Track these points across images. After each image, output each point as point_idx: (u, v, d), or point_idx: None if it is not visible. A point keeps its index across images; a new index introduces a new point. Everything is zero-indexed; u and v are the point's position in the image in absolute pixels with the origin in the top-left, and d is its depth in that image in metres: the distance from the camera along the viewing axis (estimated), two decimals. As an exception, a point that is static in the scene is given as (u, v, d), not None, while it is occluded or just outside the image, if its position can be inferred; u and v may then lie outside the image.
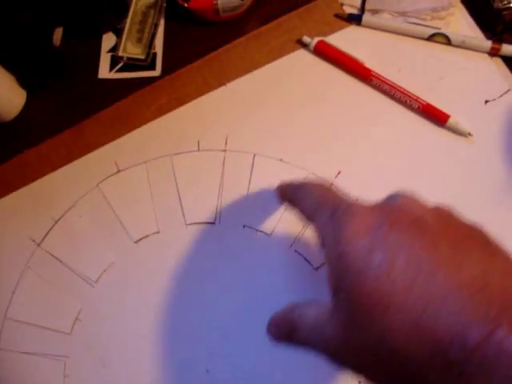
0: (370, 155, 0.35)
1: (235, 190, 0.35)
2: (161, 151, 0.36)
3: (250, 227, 0.34)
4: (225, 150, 0.36)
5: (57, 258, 0.35)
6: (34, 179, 0.37)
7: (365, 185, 0.33)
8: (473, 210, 0.23)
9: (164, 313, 0.33)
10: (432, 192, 0.24)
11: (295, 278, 0.33)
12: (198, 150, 0.36)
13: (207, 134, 0.36)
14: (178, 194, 0.35)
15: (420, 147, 0.35)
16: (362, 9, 0.38)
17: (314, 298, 0.23)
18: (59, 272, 0.35)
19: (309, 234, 0.34)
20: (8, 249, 0.36)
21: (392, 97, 0.36)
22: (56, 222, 0.36)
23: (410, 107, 0.35)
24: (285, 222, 0.34)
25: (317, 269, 0.33)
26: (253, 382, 0.32)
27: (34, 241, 0.36)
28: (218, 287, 0.33)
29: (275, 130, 0.36)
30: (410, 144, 0.35)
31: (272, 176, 0.34)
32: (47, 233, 0.36)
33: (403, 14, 0.37)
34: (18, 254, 0.35)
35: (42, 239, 0.36)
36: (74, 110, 0.37)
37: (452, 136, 0.35)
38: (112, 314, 0.34)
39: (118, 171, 0.36)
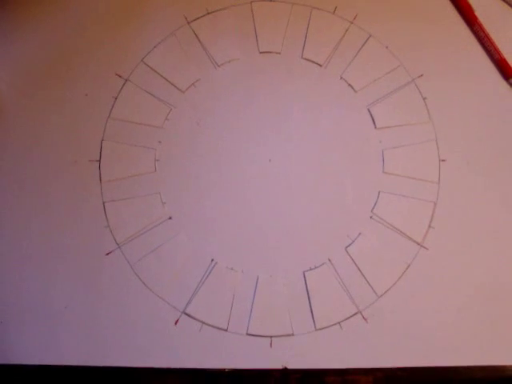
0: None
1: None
2: (305, 1, 0.48)
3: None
4: (351, 22, 0.48)
5: (197, 37, 0.46)
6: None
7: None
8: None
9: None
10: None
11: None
12: (333, 13, 0.48)
13: (344, 4, 0.48)
14: (306, 35, 0.47)
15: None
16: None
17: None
18: (194, 47, 0.46)
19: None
20: (164, 16, 0.47)
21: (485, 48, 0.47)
22: (208, 13, 0.47)
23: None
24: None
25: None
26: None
27: (186, 18, 0.47)
28: (280, 101, 0.45)
29: None
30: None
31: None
32: (198, 17, 0.47)
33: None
34: (170, 22, 0.47)
35: (193, 20, 0.47)
36: None
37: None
38: (220, 92, 0.45)
39: (272, 0, 0.48)
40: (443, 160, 0.43)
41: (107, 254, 0.41)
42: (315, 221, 0.42)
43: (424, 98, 0.44)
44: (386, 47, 0.45)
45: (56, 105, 0.44)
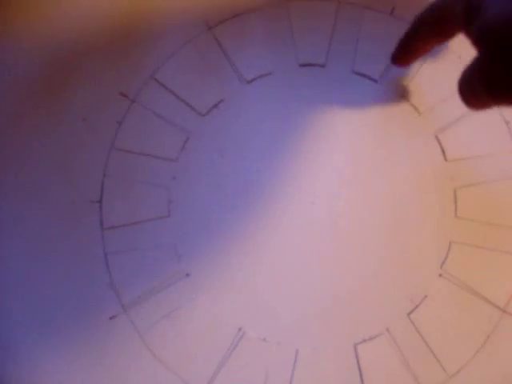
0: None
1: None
2: None
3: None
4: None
5: (220, 46, 0.39)
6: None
7: None
8: None
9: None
10: None
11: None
12: (391, 14, 0.39)
13: (404, 4, 0.40)
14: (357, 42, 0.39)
15: None
16: None
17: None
18: (217, 59, 0.38)
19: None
20: (181, 21, 0.39)
21: None
22: (235, 16, 0.39)
23: None
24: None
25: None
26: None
27: (207, 23, 0.39)
28: (323, 128, 0.37)
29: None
30: None
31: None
32: (222, 22, 0.39)
33: None
34: (188, 28, 0.39)
35: (216, 25, 0.39)
36: None
37: None
38: (248, 115, 0.37)
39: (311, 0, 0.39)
40: (531, 201, 0.35)
41: (111, 318, 0.35)
42: (369, 280, 0.35)
43: (507, 122, 0.36)
44: (459, 57, 0.37)
45: (48, 132, 0.37)
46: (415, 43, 0.33)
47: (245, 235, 0.36)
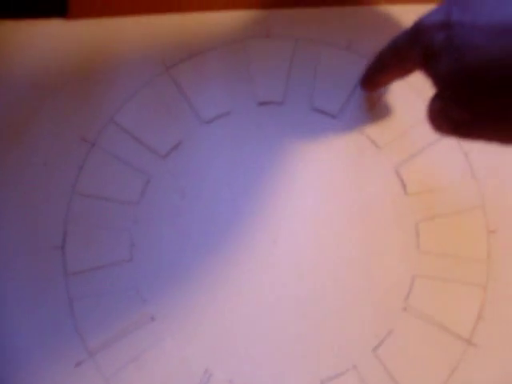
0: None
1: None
2: (313, 36, 0.40)
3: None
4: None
5: (178, 87, 0.39)
6: (185, 11, 0.40)
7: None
8: None
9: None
10: None
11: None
12: (348, 50, 0.39)
13: (360, 39, 0.40)
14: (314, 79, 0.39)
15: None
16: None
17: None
18: (175, 100, 0.38)
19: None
20: (138, 63, 0.39)
21: None
22: (191, 57, 0.39)
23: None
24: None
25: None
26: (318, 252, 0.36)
27: (164, 64, 0.39)
28: (283, 166, 0.37)
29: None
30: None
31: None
32: (179, 62, 0.39)
33: None
34: (145, 70, 0.39)
35: (173, 66, 0.39)
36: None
37: None
38: (208, 155, 0.37)
39: (268, 36, 0.40)
40: (492, 231, 0.35)
41: (76, 364, 0.35)
42: (333, 317, 0.35)
43: (465, 154, 0.36)
44: (416, 91, 0.37)
45: (8, 177, 0.37)
46: (378, 77, 0.34)
47: (208, 277, 0.36)
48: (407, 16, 0.38)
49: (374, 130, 0.37)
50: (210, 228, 0.36)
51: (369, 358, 0.35)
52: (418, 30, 0.26)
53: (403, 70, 0.31)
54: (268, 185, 0.36)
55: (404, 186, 0.36)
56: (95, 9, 0.39)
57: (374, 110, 0.38)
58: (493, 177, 0.37)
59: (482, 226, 0.36)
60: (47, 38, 0.39)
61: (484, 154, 0.37)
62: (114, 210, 0.36)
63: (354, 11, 0.39)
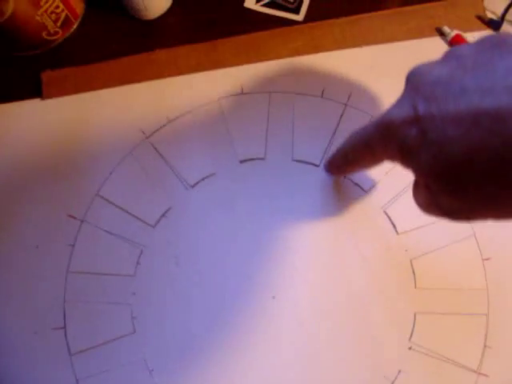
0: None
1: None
2: (285, 87, 0.40)
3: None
4: (345, 104, 0.40)
5: (160, 154, 0.39)
6: (157, 77, 0.41)
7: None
8: None
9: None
10: None
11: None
12: (322, 97, 0.40)
13: (333, 84, 0.41)
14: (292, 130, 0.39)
15: None
16: (503, 18, 0.43)
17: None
18: (158, 167, 0.39)
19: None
20: (117, 134, 0.39)
21: None
22: (169, 122, 0.40)
23: None
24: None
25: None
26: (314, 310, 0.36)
27: (143, 133, 0.39)
28: (275, 218, 0.38)
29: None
30: None
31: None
32: (158, 129, 0.40)
33: (542, 32, 0.42)
34: (125, 141, 0.39)
35: (152, 133, 0.40)
36: (211, 28, 0.42)
37: None
38: (197, 219, 0.38)
39: (242, 93, 0.40)
40: (487, 259, 0.36)
41: None
42: (339, 366, 0.35)
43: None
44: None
45: (2, 262, 0.37)
46: (347, 167, 0.34)
47: (210, 340, 0.36)
48: (378, 55, 0.39)
49: (357, 174, 0.38)
50: (209, 291, 0.36)
51: (382, 401, 0.34)
52: (388, 127, 0.25)
53: (375, 163, 0.30)
54: (261, 241, 0.37)
55: (394, 225, 0.37)
56: (69, 86, 0.39)
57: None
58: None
59: (476, 254, 0.36)
60: (24, 120, 0.39)
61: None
62: (111, 285, 0.36)
63: (326, 57, 0.39)
